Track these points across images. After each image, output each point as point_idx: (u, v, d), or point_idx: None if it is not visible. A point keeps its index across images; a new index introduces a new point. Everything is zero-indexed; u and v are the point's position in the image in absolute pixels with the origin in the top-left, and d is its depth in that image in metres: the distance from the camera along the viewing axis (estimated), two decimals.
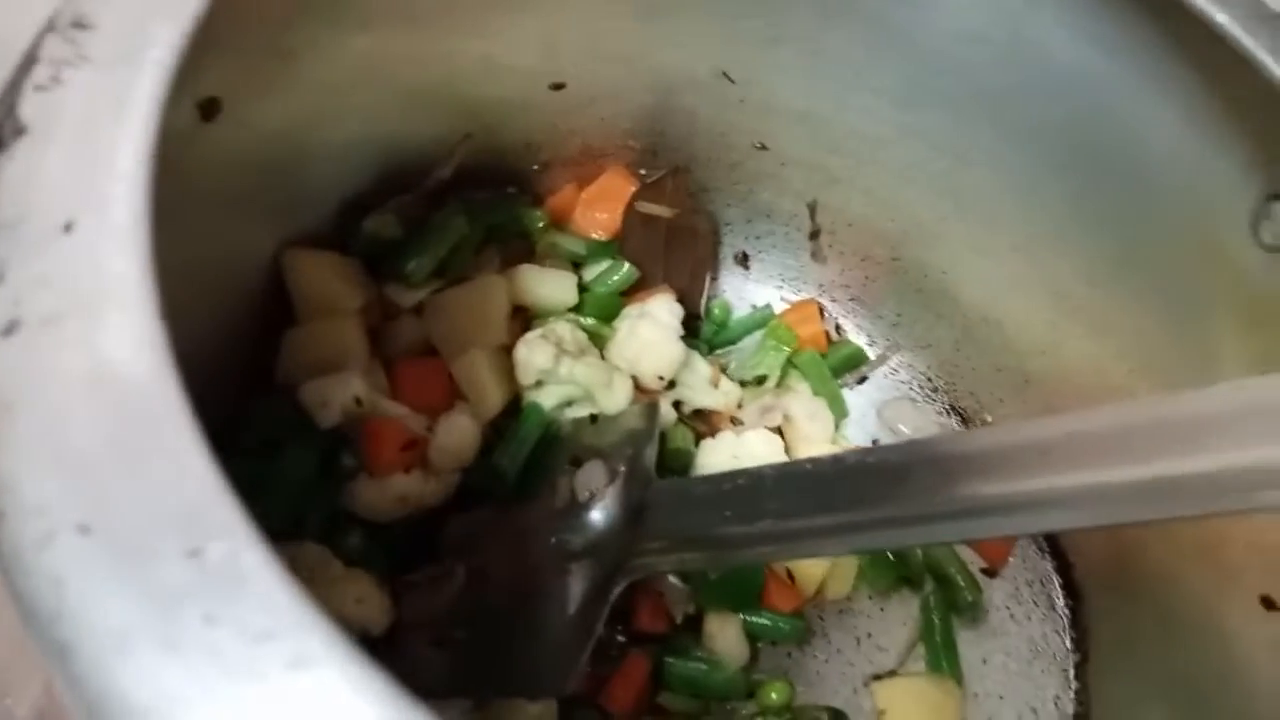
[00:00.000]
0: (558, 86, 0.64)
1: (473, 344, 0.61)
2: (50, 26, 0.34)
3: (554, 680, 0.50)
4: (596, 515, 0.55)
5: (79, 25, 0.34)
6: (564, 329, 0.63)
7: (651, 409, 0.61)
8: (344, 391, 0.56)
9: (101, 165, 0.30)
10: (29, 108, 0.32)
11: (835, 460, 0.47)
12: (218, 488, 0.25)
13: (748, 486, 0.49)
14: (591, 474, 0.56)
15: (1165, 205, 0.55)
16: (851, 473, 0.45)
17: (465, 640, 0.54)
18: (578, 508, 0.56)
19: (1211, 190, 0.51)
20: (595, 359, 0.63)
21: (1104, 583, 0.65)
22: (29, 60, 0.33)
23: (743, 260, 0.77)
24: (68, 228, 0.29)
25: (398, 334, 0.63)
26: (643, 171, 0.72)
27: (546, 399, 0.62)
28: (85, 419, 0.26)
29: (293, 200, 0.59)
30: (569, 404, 0.63)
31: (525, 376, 0.61)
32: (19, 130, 0.31)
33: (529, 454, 0.60)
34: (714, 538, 0.50)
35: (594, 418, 0.62)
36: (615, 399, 0.61)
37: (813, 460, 0.48)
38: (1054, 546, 0.67)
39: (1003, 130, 0.60)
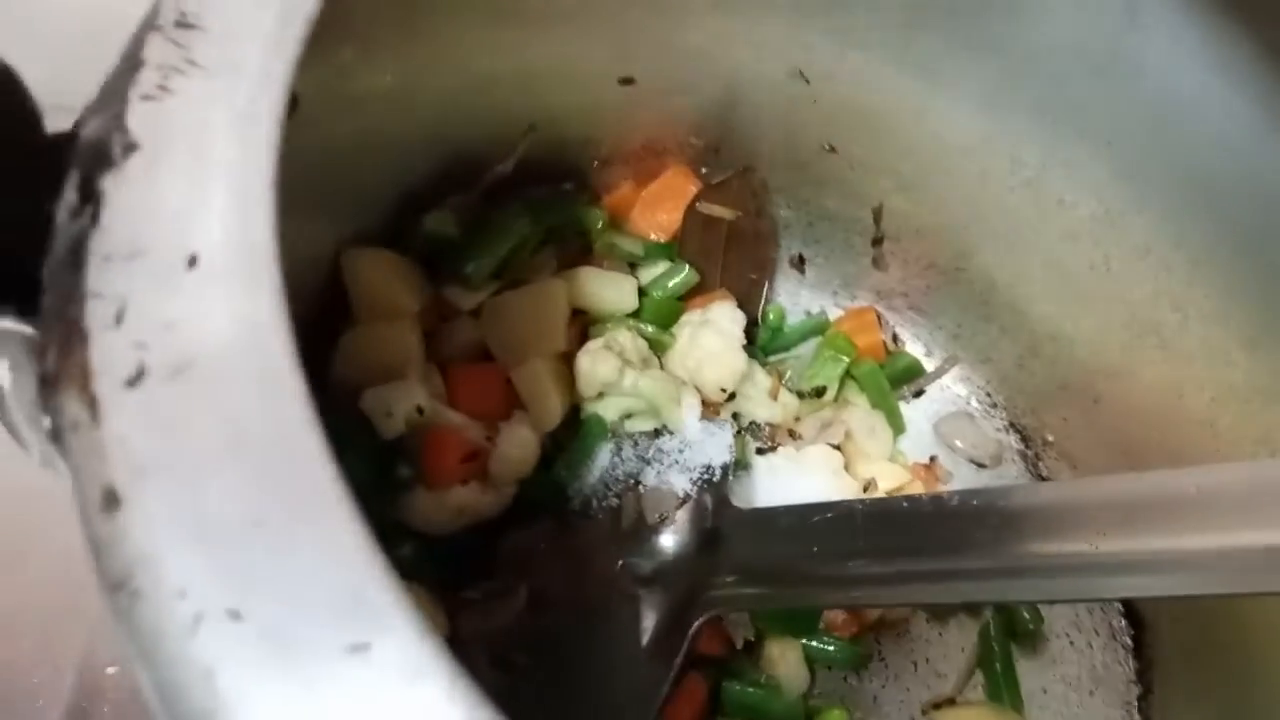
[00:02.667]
0: (627, 81, 0.61)
1: (533, 352, 0.58)
2: (152, 23, 0.31)
3: None
4: (667, 540, 0.52)
5: (184, 24, 0.31)
6: (625, 338, 0.61)
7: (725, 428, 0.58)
8: (408, 400, 0.53)
9: (225, 191, 0.27)
10: (137, 120, 0.29)
11: (936, 501, 0.45)
12: (377, 573, 0.23)
13: (838, 521, 0.47)
14: (661, 495, 0.54)
15: (1263, 230, 0.53)
16: (954, 516, 0.43)
17: (529, 666, 0.52)
18: (646, 530, 0.53)
19: None
20: (659, 372, 0.61)
21: (1169, 609, 0.63)
22: (132, 62, 0.30)
23: (799, 263, 0.75)
24: (192, 262, 0.26)
25: (454, 337, 0.60)
26: (704, 170, 0.69)
27: (608, 411, 0.59)
28: (226, 488, 0.23)
29: (353, 198, 0.56)
30: (629, 416, 0.60)
31: (588, 388, 0.59)
32: (130, 146, 0.28)
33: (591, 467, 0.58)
34: (798, 575, 0.48)
35: (658, 431, 0.60)
36: (683, 416, 0.59)
37: (909, 499, 0.46)
38: None
39: (1090, 145, 0.58)
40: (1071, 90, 0.55)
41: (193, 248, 0.26)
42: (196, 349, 0.25)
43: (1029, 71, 0.56)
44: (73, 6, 0.70)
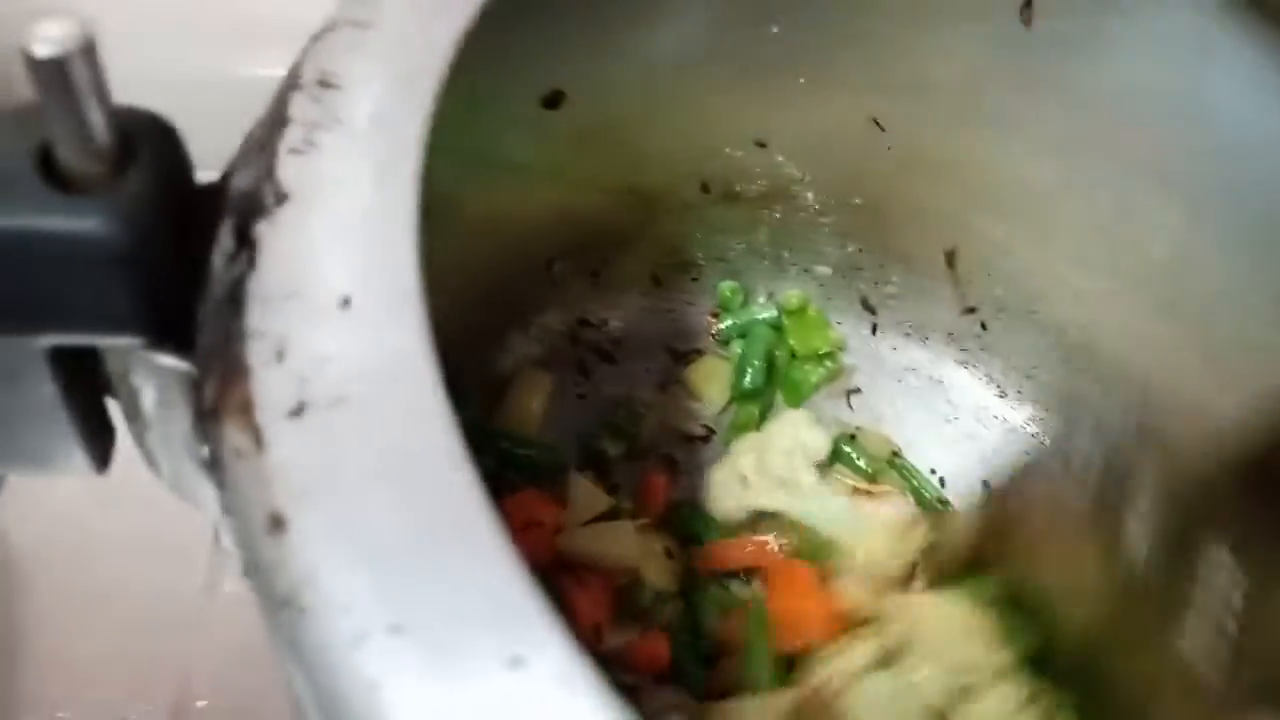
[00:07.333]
0: None
1: None
2: (294, 83, 0.34)
3: None
4: None
5: (325, 84, 0.33)
6: None
7: None
8: None
9: (371, 237, 0.30)
10: (287, 172, 0.31)
11: None
12: (527, 591, 0.24)
13: None
14: None
15: None
16: None
17: None
18: None
19: None
20: None
21: None
22: (278, 117, 0.33)
23: (868, 306, 0.76)
24: (345, 303, 0.28)
25: None
26: (777, 214, 0.71)
27: None
28: (383, 510, 0.25)
29: None
30: None
31: None
32: (282, 196, 0.30)
33: None
34: None
35: None
36: None
37: None
38: None
39: (1169, 188, 0.58)
40: (1145, 132, 0.56)
41: (345, 290, 0.28)
42: (353, 382, 0.27)
43: (1101, 114, 0.57)
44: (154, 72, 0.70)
